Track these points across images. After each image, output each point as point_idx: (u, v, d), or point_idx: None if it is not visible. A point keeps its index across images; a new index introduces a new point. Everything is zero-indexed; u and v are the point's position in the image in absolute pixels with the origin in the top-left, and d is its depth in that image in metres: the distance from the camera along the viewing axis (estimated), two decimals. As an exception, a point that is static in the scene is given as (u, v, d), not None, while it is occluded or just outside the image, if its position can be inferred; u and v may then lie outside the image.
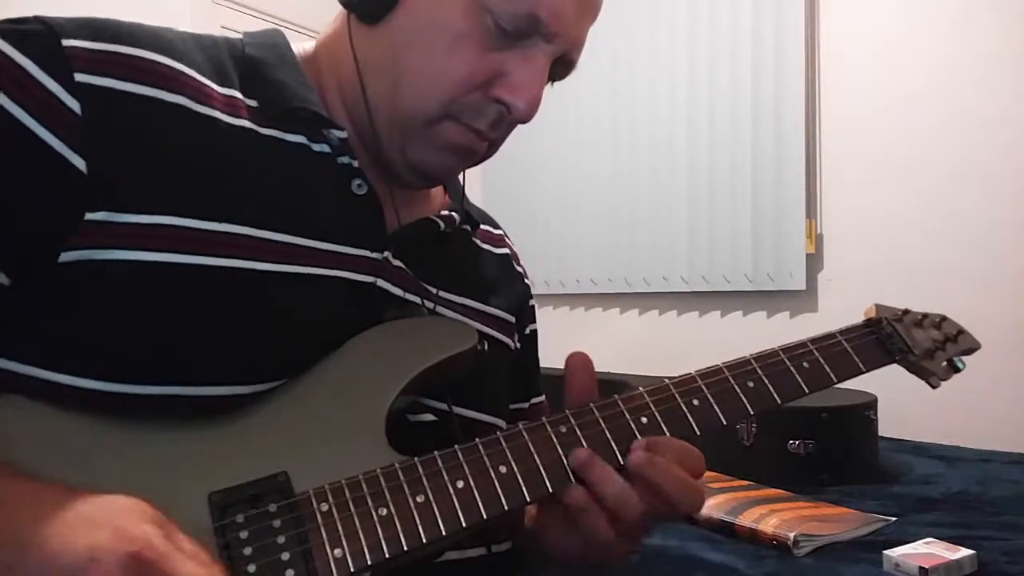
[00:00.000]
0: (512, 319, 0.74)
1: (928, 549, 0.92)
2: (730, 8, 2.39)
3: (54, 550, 0.37)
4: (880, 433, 1.52)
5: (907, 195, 2.11)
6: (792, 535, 0.98)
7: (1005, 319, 1.89)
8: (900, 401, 1.57)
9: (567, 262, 2.79)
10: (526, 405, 0.78)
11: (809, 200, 2.26)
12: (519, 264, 0.81)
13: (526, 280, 0.81)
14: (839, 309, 2.22)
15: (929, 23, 2.09)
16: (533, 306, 0.81)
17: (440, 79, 0.56)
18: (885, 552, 0.91)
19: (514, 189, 2.96)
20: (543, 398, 0.81)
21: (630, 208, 2.64)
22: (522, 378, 0.76)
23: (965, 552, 0.90)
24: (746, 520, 1.05)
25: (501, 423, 0.65)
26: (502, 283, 0.75)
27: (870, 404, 1.46)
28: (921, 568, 0.87)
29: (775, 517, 1.05)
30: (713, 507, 1.11)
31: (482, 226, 0.76)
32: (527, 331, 0.79)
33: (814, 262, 2.27)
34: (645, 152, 2.61)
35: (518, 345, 0.76)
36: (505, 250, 0.79)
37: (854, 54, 2.22)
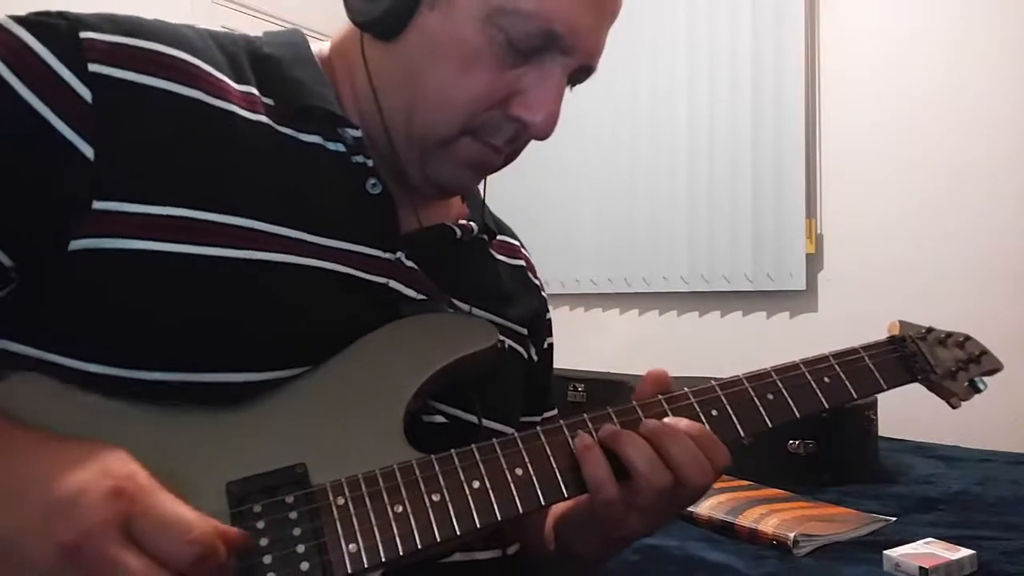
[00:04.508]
0: (525, 331, 0.73)
1: (928, 549, 0.92)
2: (730, 8, 2.39)
3: (46, 487, 0.39)
4: (880, 433, 1.52)
5: (907, 195, 2.11)
6: (792, 535, 0.98)
7: (1005, 320, 1.88)
8: (900, 401, 1.57)
9: (567, 262, 2.79)
10: (538, 418, 0.78)
11: (809, 200, 2.26)
12: (535, 276, 0.80)
13: (542, 292, 0.80)
14: (839, 309, 2.22)
15: (930, 23, 2.09)
16: (550, 320, 0.81)
17: (455, 99, 0.56)
18: (885, 552, 0.91)
19: (514, 189, 2.96)
20: (555, 411, 0.81)
21: (630, 208, 2.64)
22: (535, 391, 0.76)
23: (965, 552, 0.90)
24: (746, 520, 1.05)
25: (510, 431, 0.65)
26: (517, 294, 0.74)
27: (870, 404, 1.45)
28: (921, 568, 0.87)
29: (775, 517, 1.05)
30: (713, 507, 1.11)
31: (499, 236, 0.75)
32: (545, 344, 0.79)
33: (814, 262, 2.27)
34: (645, 152, 2.61)
35: (535, 357, 0.76)
36: (520, 261, 0.78)
37: (854, 54, 2.22)
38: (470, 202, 0.74)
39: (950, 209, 2.03)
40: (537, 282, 0.80)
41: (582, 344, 2.71)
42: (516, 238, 0.81)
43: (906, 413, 1.72)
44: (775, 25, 2.29)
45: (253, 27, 2.76)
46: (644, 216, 2.61)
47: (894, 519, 1.11)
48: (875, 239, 2.16)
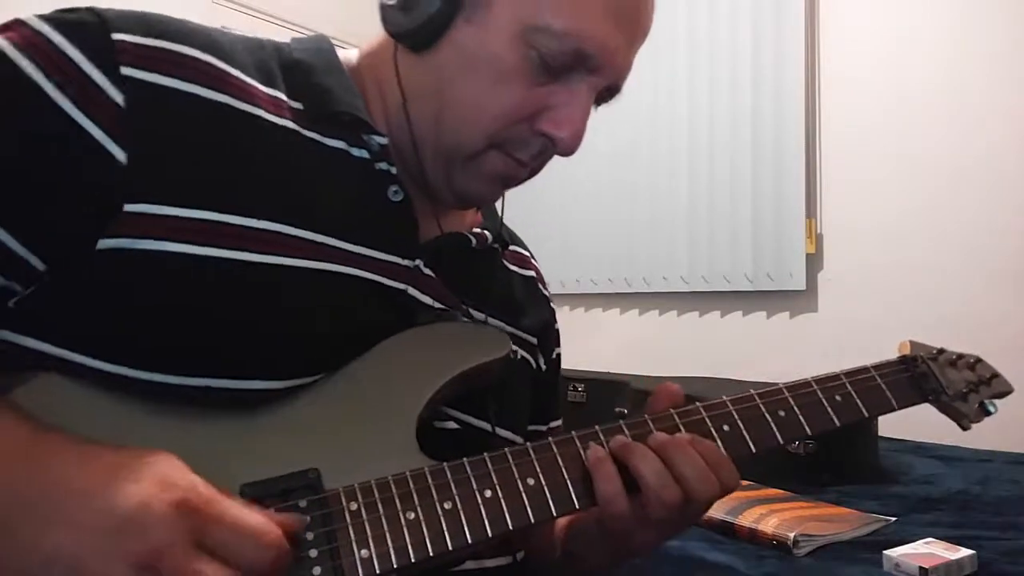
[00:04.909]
0: (535, 340, 0.74)
1: (928, 549, 0.92)
2: (730, 8, 2.39)
3: (104, 501, 0.38)
4: (880, 433, 1.52)
5: (907, 195, 2.10)
6: (792, 535, 0.98)
7: (1005, 319, 1.89)
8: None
9: (567, 262, 2.79)
10: (544, 428, 0.78)
11: (809, 200, 2.26)
12: (545, 287, 0.81)
13: (551, 304, 0.81)
14: (839, 309, 2.22)
15: (930, 22, 2.09)
16: (558, 330, 0.81)
17: (484, 113, 0.56)
18: (885, 552, 0.91)
19: (515, 189, 2.96)
20: (560, 422, 0.81)
21: (630, 208, 2.64)
22: (543, 400, 0.76)
23: (965, 552, 0.90)
24: (746, 520, 1.05)
25: (518, 440, 0.66)
26: (527, 304, 0.75)
27: (870, 404, 1.45)
28: (921, 568, 0.87)
29: (775, 517, 1.05)
30: (713, 507, 1.11)
31: (511, 247, 0.76)
32: (553, 355, 0.79)
33: (814, 262, 2.27)
34: (645, 152, 2.61)
35: (544, 367, 0.76)
36: (531, 272, 0.79)
37: (854, 53, 2.22)
38: (484, 210, 0.74)
39: (950, 209, 2.03)
40: (546, 293, 0.81)
41: (582, 344, 2.71)
42: (527, 248, 0.81)
43: (906, 413, 1.72)
44: (775, 25, 2.29)
45: (253, 27, 2.76)
46: (644, 216, 2.60)
47: (894, 519, 1.11)
48: (875, 239, 2.16)
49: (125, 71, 0.49)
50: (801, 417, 0.60)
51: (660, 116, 2.56)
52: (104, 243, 0.48)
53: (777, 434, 0.59)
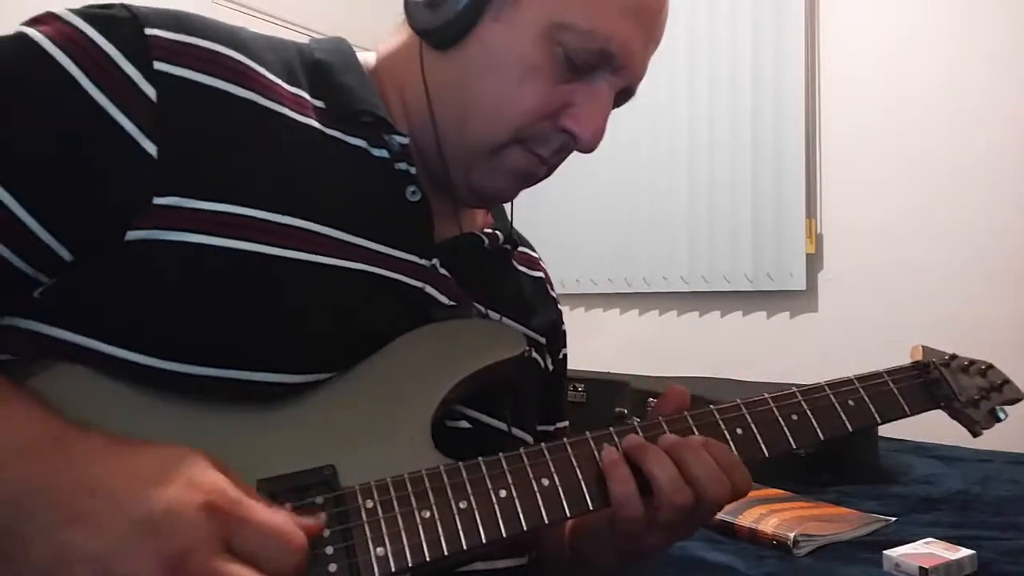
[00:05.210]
0: (543, 340, 0.74)
1: (928, 549, 0.92)
2: (730, 8, 2.40)
3: (131, 503, 0.38)
4: (880, 433, 1.52)
5: (907, 195, 2.11)
6: (792, 535, 0.98)
7: (1005, 319, 1.89)
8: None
9: (567, 262, 2.79)
10: (551, 428, 0.78)
11: (809, 200, 2.26)
12: (552, 289, 0.81)
13: (559, 306, 0.81)
14: (839, 309, 2.22)
15: (930, 22, 2.09)
16: (565, 331, 0.82)
17: (510, 109, 0.57)
18: (885, 552, 0.91)
19: (514, 189, 2.96)
20: (567, 424, 0.81)
21: (630, 208, 2.65)
22: (551, 401, 0.77)
23: (965, 552, 0.90)
24: (746, 520, 1.05)
25: (529, 439, 0.66)
26: (537, 304, 0.75)
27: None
28: (921, 568, 0.87)
29: (775, 517, 1.05)
30: (713, 507, 1.11)
31: (520, 248, 0.77)
32: (560, 355, 0.80)
33: (814, 262, 2.27)
34: (645, 152, 2.61)
35: (551, 367, 0.77)
36: (540, 274, 0.79)
37: (854, 53, 2.22)
38: (493, 211, 0.75)
39: (950, 209, 2.03)
40: (554, 295, 0.81)
41: (582, 344, 2.70)
42: (535, 251, 0.82)
43: (906, 413, 1.72)
44: (775, 25, 2.29)
45: (253, 27, 2.76)
46: (644, 216, 2.61)
47: (894, 519, 1.11)
48: (875, 239, 2.16)
49: (158, 66, 0.50)
50: (814, 421, 0.60)
51: (660, 116, 2.56)
52: (132, 234, 0.48)
53: (790, 438, 0.59)
